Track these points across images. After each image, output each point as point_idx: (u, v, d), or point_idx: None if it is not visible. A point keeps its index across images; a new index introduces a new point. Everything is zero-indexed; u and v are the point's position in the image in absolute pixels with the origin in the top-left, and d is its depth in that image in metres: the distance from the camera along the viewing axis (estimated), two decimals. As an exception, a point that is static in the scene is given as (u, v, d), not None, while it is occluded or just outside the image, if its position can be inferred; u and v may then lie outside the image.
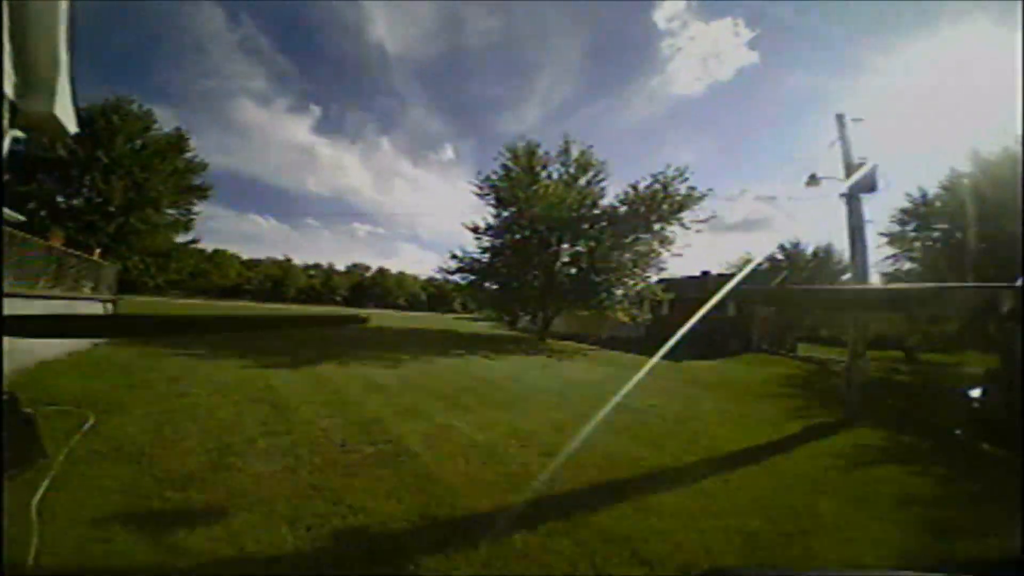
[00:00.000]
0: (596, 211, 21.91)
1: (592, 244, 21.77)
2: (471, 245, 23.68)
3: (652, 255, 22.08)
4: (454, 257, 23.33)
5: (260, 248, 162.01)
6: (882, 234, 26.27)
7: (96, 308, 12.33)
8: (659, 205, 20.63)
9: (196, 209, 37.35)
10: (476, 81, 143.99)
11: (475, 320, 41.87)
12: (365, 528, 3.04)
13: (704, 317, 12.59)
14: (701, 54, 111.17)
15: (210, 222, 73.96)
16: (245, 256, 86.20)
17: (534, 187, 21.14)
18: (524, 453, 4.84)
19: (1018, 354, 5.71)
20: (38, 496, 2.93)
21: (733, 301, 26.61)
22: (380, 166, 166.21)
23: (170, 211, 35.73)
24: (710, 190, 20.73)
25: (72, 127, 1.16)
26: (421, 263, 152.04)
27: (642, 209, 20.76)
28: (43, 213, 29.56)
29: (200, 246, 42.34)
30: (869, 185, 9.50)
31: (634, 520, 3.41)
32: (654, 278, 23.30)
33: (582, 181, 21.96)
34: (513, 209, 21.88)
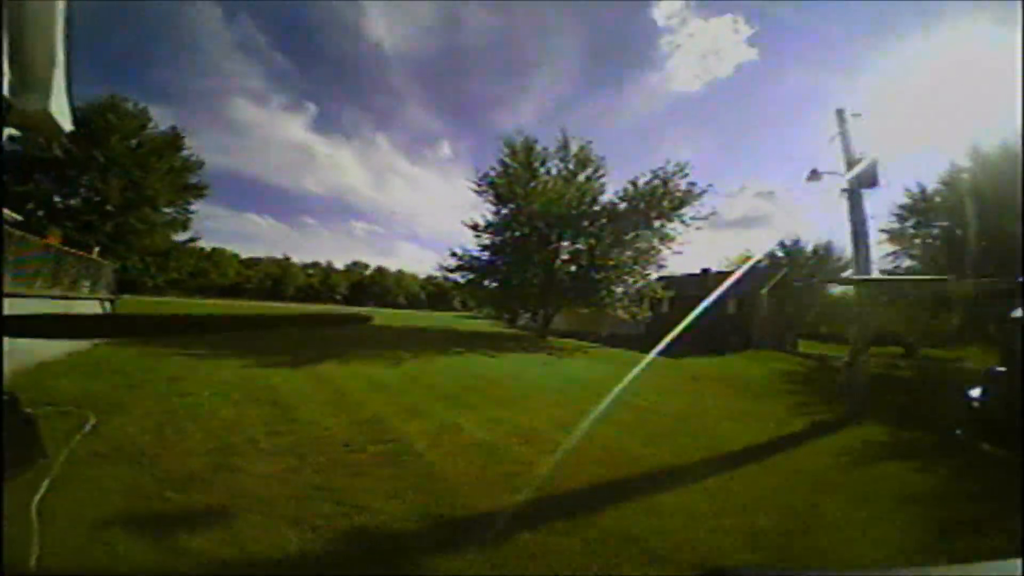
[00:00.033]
0: (596, 208, 21.83)
1: (592, 241, 21.71)
2: (470, 243, 23.56)
3: (652, 252, 22.03)
4: (453, 255, 23.22)
5: (258, 247, 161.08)
6: (882, 230, 26.30)
7: (95, 308, 12.27)
8: (659, 201, 20.58)
9: (193, 208, 37.20)
10: (473, 78, 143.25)
11: (475, 318, 41.85)
12: (371, 529, 3.01)
13: (704, 314, 12.58)
14: (700, 51, 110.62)
15: (208, 221, 74.03)
16: (244, 255, 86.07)
17: (533, 183, 21.05)
18: (528, 451, 4.82)
19: (1018, 354, 5.67)
20: (38, 498, 2.90)
21: (733, 298, 26.66)
22: (377, 164, 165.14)
23: (167, 210, 35.56)
24: (710, 186, 20.74)
25: (68, 125, 1.13)
26: (420, 261, 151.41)
27: (642, 205, 20.70)
28: (40, 213, 29.43)
29: (198, 245, 42.15)
30: (870, 180, 9.48)
31: (642, 520, 3.39)
32: (654, 275, 23.27)
33: (581, 177, 21.85)
34: (512, 206, 21.78)
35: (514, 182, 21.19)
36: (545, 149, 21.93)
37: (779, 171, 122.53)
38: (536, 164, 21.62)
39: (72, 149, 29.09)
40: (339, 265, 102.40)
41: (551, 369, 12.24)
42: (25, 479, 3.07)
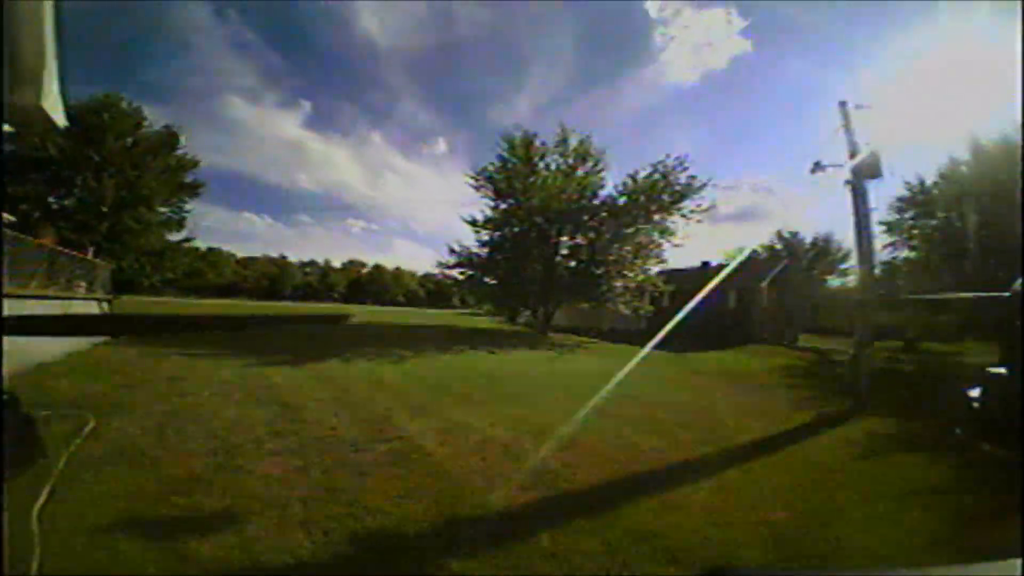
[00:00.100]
0: (596, 202, 21.72)
1: (592, 236, 21.61)
2: (468, 239, 23.41)
3: (652, 246, 21.96)
4: (452, 252, 23.05)
5: (255, 246, 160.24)
6: (881, 223, 26.31)
7: (91, 307, 12.11)
8: (659, 195, 20.48)
9: (189, 207, 36.85)
10: (468, 73, 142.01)
11: (476, 315, 41.74)
12: (383, 531, 2.92)
13: (706, 308, 12.51)
14: (694, 43, 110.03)
15: (203, 221, 73.28)
16: (240, 254, 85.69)
17: (532, 178, 20.90)
18: (540, 448, 4.73)
19: (1018, 354, 5.62)
20: (39, 504, 2.79)
21: (734, 292, 26.62)
22: (373, 161, 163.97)
23: (163, 209, 35.23)
24: (710, 179, 20.64)
25: (61, 121, 1.07)
26: (417, 258, 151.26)
27: (642, 199, 20.59)
28: (36, 215, 29.10)
29: (194, 244, 41.79)
30: (873, 172, 9.43)
31: (659, 516, 3.31)
32: (654, 270, 23.20)
33: (580, 171, 21.71)
34: (511, 201, 21.64)
35: (513, 177, 21.04)
36: (544, 144, 21.79)
37: (777, 163, 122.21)
38: (535, 159, 21.46)
39: (66, 148, 28.79)
40: (336, 263, 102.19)
41: (556, 365, 12.17)
42: (25, 483, 2.97)
